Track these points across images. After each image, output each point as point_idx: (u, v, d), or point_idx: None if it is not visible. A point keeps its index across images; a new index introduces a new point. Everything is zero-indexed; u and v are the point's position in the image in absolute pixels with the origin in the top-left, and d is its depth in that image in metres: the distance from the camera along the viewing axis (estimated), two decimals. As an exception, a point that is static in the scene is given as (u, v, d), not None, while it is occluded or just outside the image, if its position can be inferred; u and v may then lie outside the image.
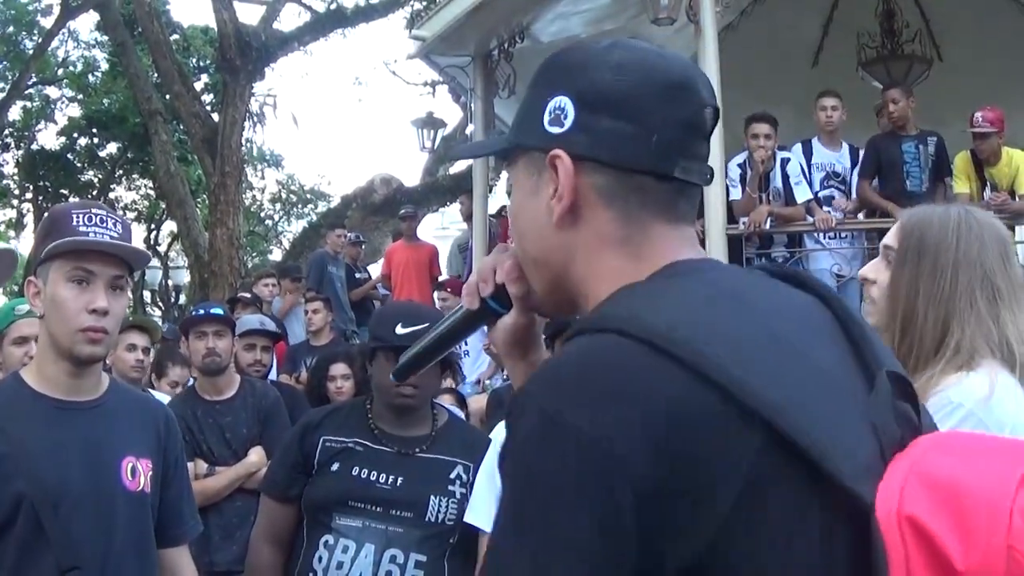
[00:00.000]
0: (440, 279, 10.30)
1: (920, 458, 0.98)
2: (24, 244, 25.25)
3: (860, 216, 7.69)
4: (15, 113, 23.44)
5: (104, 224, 2.30)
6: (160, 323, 15.59)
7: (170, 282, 22.66)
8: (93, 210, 2.34)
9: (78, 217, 2.30)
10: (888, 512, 0.93)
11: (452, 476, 3.04)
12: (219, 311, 4.95)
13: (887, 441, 1.01)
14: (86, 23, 24.07)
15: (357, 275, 11.31)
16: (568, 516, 0.93)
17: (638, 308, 1.03)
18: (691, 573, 0.93)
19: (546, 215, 1.17)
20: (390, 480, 2.97)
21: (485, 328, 1.37)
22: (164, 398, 4.81)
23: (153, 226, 25.62)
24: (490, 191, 9.99)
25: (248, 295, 9.03)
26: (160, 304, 23.45)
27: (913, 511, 0.92)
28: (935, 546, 0.90)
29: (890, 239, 2.08)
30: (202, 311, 4.92)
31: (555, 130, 1.15)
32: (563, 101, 1.15)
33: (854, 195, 7.56)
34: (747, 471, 0.93)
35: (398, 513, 2.93)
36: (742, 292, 1.11)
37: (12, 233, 27.51)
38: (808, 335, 1.09)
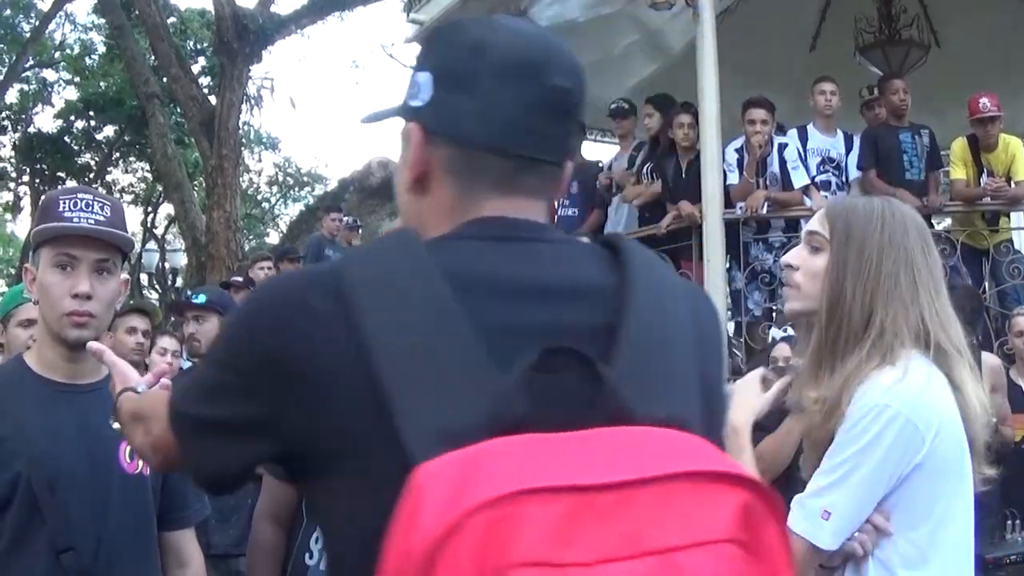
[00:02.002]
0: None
1: (484, 445, 0.96)
2: (21, 227, 25.30)
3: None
4: (12, 96, 23.45)
5: (89, 208, 2.31)
6: (158, 306, 15.61)
7: (167, 265, 22.63)
8: (79, 195, 2.35)
9: (64, 203, 2.31)
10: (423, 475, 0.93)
11: None
12: (201, 298, 5.02)
13: (505, 420, 0.98)
14: (83, 6, 24.15)
15: (354, 259, 11.30)
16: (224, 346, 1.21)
17: (356, 254, 1.25)
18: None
19: (406, 183, 1.25)
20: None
21: None
22: (157, 361, 4.87)
23: (150, 209, 25.63)
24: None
25: (240, 279, 8.98)
26: (157, 287, 23.46)
27: (423, 481, 0.92)
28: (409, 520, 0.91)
29: (815, 224, 2.15)
30: (184, 298, 4.96)
31: (415, 104, 1.22)
32: (424, 76, 1.21)
33: (850, 181, 7.58)
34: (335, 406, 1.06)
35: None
36: (467, 260, 1.13)
37: (9, 216, 27.55)
38: (507, 313, 1.09)
